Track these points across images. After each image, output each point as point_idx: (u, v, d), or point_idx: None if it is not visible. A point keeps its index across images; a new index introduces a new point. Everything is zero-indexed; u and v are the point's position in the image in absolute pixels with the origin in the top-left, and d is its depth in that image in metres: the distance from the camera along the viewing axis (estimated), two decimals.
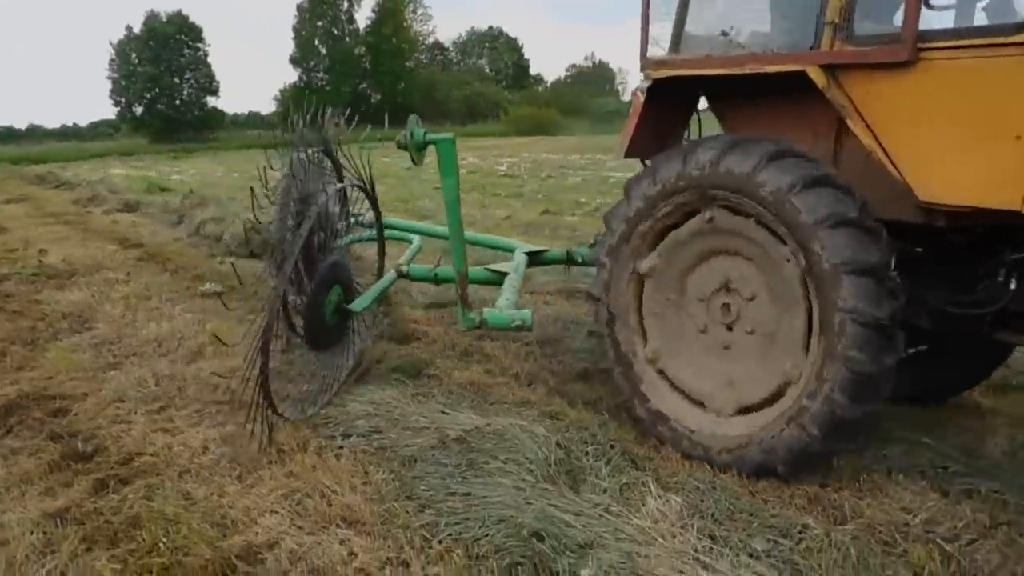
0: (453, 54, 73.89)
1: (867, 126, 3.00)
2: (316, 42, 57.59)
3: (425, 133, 3.77)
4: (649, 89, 3.57)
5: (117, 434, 3.65)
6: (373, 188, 4.37)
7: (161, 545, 2.68)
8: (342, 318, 4.09)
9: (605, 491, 2.91)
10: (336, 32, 58.32)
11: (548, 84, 75.22)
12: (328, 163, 4.40)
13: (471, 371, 4.42)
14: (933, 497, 3.02)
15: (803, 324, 3.04)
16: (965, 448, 3.49)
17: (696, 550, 2.52)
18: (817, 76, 3.04)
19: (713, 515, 2.77)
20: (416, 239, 5.22)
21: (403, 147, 3.78)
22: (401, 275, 4.52)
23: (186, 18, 49.21)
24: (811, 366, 2.99)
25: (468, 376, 4.31)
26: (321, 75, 58.20)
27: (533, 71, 75.58)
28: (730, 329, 3.31)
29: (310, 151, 4.12)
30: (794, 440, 2.99)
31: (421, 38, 67.37)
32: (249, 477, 3.21)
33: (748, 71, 3.21)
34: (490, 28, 75.11)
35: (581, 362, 4.59)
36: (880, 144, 2.98)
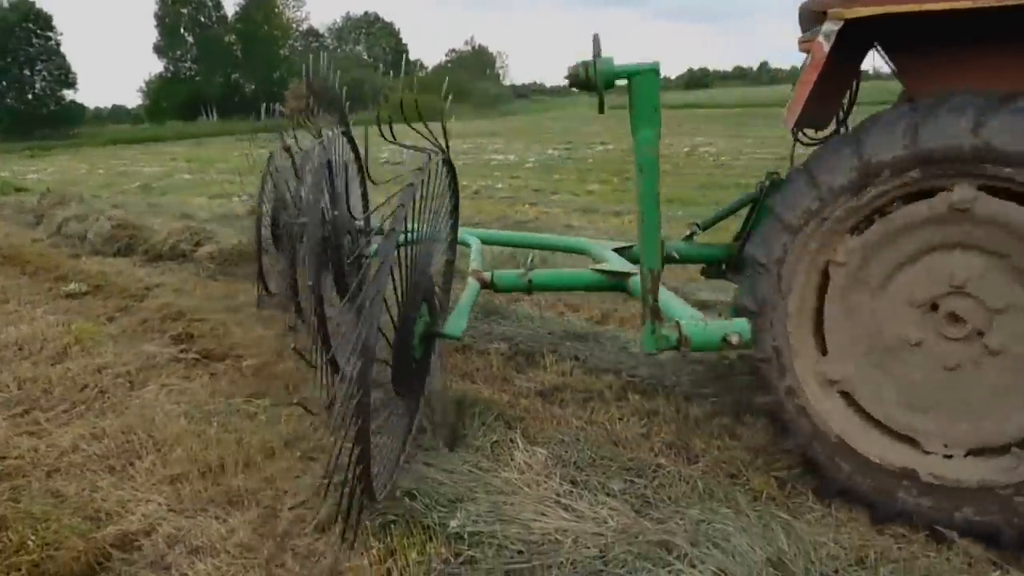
0: (329, 41, 72.14)
1: None
2: (182, 30, 54.91)
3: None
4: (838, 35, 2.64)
5: None
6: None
7: (30, 543, 2.63)
8: (426, 346, 3.11)
9: (477, 450, 3.09)
10: (203, 19, 55.78)
11: (429, 69, 74.75)
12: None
13: None
14: (775, 433, 3.36)
15: None
16: None
17: (558, 494, 2.73)
18: None
19: (575, 463, 2.99)
20: (475, 241, 4.36)
21: (580, 85, 2.65)
22: (484, 285, 3.63)
23: (32, 5, 45.73)
24: None
25: None
26: (189, 65, 55.59)
27: (412, 56, 74.94)
28: (962, 346, 2.57)
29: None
30: None
31: (295, 25, 65.44)
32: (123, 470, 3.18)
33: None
34: (366, 13, 73.88)
35: None
36: None
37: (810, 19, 2.96)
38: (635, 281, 3.21)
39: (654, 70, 2.57)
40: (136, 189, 14.63)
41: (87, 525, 2.76)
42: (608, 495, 2.75)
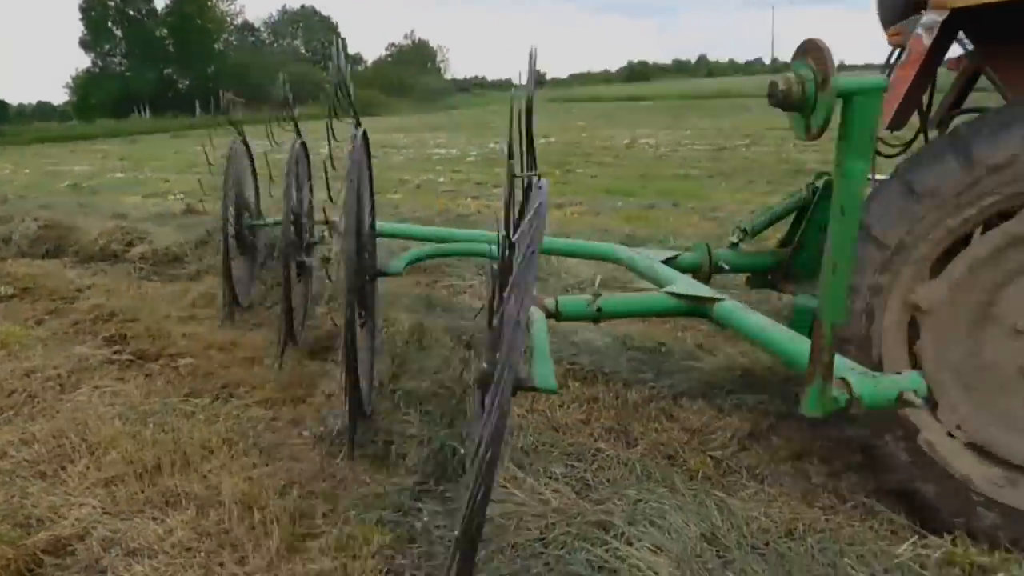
0: (265, 35, 70.73)
1: None
2: (109, 23, 53.10)
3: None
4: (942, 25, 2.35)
5: None
6: None
7: None
8: None
9: None
10: (132, 12, 54.06)
11: (368, 64, 73.95)
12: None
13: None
14: (710, 414, 3.47)
15: None
16: (735, 367, 3.99)
17: (503, 480, 2.77)
18: None
19: (521, 448, 3.05)
20: None
21: (785, 104, 1.92)
22: (549, 314, 3.03)
23: None
24: None
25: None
26: (119, 60, 53.84)
27: (352, 51, 74.00)
28: None
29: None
30: None
31: (229, 18, 63.92)
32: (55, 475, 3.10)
33: None
34: (303, 7, 72.65)
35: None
36: None
37: (896, 9, 2.72)
38: (722, 307, 2.89)
39: (881, 88, 1.93)
40: (65, 189, 14.11)
41: (16, 532, 2.67)
42: (550, 478, 2.81)
